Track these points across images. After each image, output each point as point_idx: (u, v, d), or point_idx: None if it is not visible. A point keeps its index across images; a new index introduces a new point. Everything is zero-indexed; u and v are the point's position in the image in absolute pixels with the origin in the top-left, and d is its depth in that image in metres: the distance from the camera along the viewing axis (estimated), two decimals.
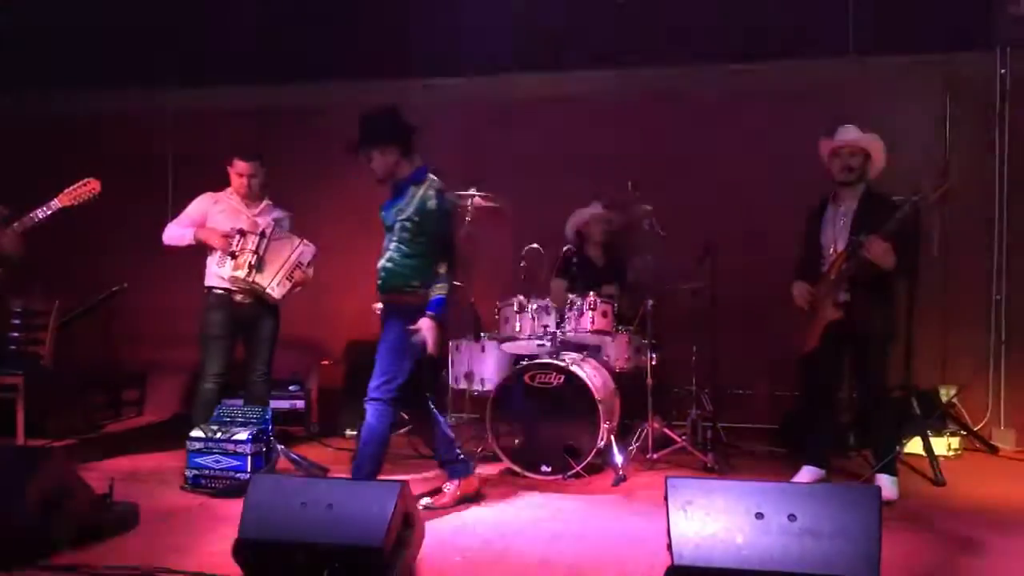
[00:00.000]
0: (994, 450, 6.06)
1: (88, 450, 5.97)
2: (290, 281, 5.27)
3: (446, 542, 3.90)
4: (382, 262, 4.49)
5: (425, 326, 4.32)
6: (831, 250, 4.86)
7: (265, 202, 5.48)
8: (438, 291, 4.39)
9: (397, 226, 4.46)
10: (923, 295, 5.80)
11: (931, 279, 5.58)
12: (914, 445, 5.50)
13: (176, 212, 5.49)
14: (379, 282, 4.51)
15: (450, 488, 4.61)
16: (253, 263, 5.16)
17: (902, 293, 5.32)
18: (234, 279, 5.18)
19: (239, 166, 5.37)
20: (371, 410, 4.39)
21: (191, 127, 7.50)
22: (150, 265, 6.70)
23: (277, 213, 5.47)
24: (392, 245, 4.48)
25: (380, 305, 4.63)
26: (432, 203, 4.39)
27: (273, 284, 5.21)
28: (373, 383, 4.41)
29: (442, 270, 4.44)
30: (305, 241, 5.34)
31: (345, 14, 6.98)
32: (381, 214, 4.55)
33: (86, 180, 5.07)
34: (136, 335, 7.42)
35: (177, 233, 5.32)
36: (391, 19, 6.89)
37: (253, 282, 5.17)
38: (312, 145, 7.38)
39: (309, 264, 5.36)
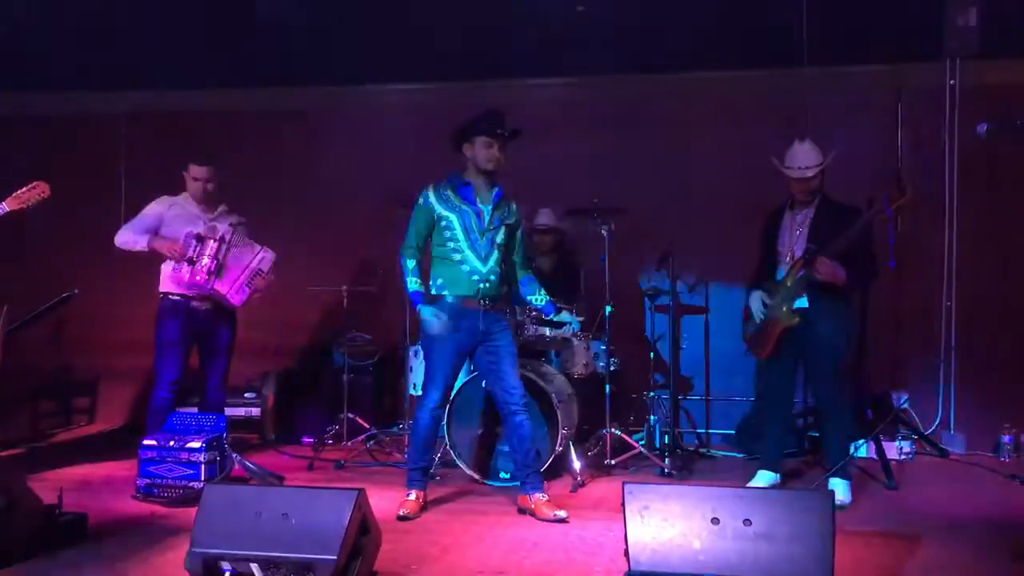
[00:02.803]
0: (944, 454, 6.16)
1: (37, 459, 5.87)
2: (250, 288, 5.22)
3: (402, 551, 3.88)
4: (490, 265, 4.50)
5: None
6: (788, 257, 4.90)
7: (222, 207, 5.42)
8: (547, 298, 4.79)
9: (504, 231, 4.54)
10: (875, 302, 5.89)
11: (883, 286, 5.65)
12: (866, 449, 5.58)
13: (128, 216, 5.41)
14: (483, 286, 4.48)
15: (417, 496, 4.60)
16: (212, 269, 5.11)
17: (857, 299, 5.39)
18: (193, 285, 5.12)
19: (195, 171, 5.30)
20: (528, 420, 4.56)
21: (143, 130, 7.40)
22: (102, 270, 6.60)
23: (233, 218, 5.41)
24: (496, 249, 4.52)
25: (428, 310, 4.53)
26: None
27: (232, 291, 5.17)
28: (520, 394, 4.54)
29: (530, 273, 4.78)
30: (266, 248, 5.30)
31: (301, 20, 6.92)
32: (453, 213, 4.47)
33: (35, 183, 4.95)
34: (87, 342, 7.28)
35: (130, 238, 5.24)
36: (347, 24, 6.84)
37: (212, 288, 5.12)
38: (267, 149, 7.33)
39: (269, 271, 5.31)
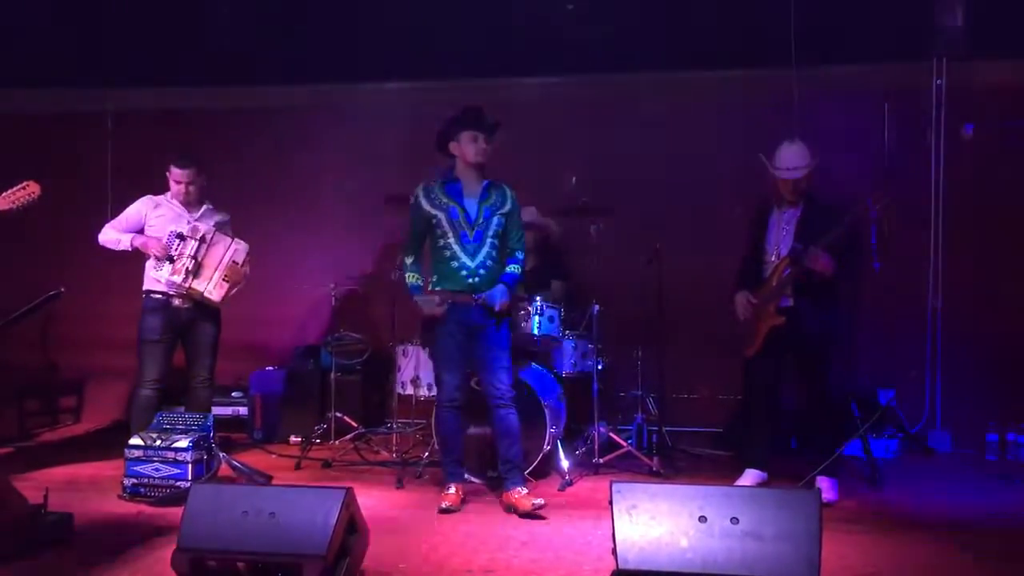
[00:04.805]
0: (931, 452, 6.19)
1: (23, 459, 5.83)
2: (227, 282, 5.23)
3: (390, 550, 3.87)
4: (479, 260, 4.57)
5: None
6: (773, 256, 4.91)
7: (205, 206, 5.42)
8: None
9: (495, 221, 4.61)
10: (863, 301, 5.91)
11: (870, 285, 5.67)
12: (853, 447, 5.60)
13: (115, 215, 5.39)
14: (473, 280, 4.56)
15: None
16: (190, 268, 5.11)
17: (843, 299, 5.40)
18: (171, 284, 5.12)
19: (175, 173, 5.33)
20: (513, 415, 4.60)
21: (130, 128, 7.36)
22: (87, 269, 6.56)
23: (218, 217, 5.41)
24: (488, 242, 4.59)
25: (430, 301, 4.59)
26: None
27: (210, 287, 5.20)
28: (505, 388, 4.58)
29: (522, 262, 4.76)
30: (237, 239, 5.31)
31: (289, 18, 6.90)
32: (441, 211, 4.56)
33: (25, 183, 4.91)
34: (73, 340, 7.24)
35: (113, 237, 5.26)
36: (337, 22, 6.83)
37: (190, 287, 5.13)
38: (254, 147, 7.30)
39: (244, 263, 5.31)
